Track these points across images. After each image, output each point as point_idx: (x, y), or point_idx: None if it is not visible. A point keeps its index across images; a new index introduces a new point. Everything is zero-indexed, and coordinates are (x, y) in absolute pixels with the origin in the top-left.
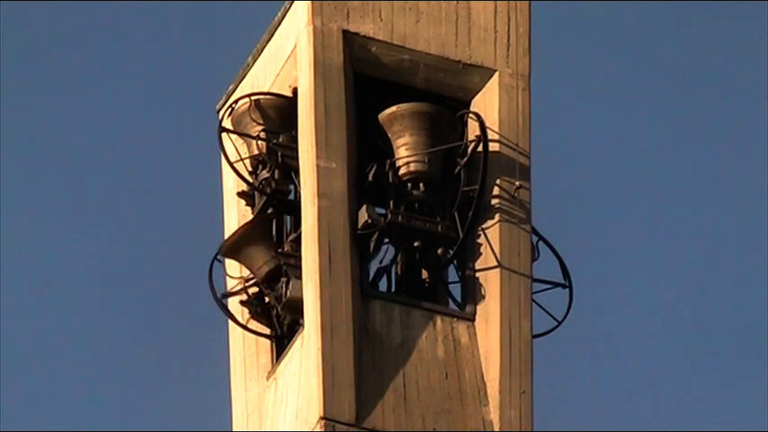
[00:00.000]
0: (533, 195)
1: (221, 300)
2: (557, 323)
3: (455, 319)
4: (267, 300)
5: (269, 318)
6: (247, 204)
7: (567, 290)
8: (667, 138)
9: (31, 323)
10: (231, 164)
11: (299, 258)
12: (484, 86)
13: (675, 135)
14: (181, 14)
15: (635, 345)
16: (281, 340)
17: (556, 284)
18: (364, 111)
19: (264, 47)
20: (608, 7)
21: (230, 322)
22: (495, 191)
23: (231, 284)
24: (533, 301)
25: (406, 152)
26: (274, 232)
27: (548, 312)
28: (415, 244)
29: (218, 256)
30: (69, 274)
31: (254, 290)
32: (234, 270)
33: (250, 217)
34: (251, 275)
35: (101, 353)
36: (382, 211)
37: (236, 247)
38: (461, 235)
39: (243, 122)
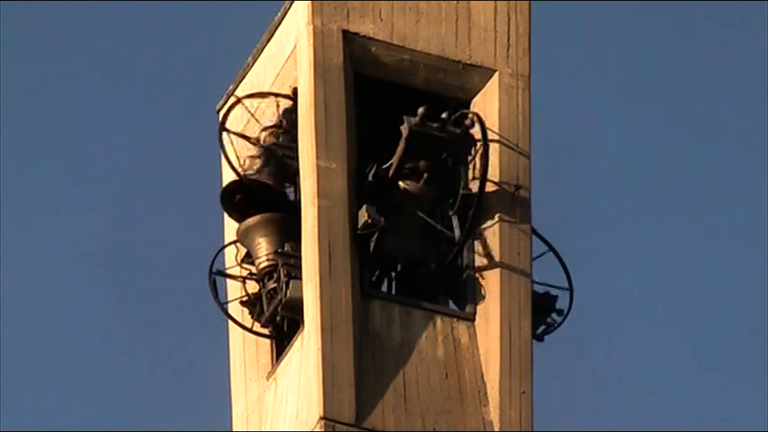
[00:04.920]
0: (533, 195)
1: (222, 304)
2: (556, 325)
3: (455, 319)
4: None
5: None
6: None
7: (568, 291)
8: (667, 137)
9: (32, 324)
10: (231, 164)
11: (299, 258)
12: (484, 86)
13: (675, 134)
14: (181, 14)
15: (634, 345)
16: (281, 340)
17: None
18: (365, 111)
19: (264, 47)
20: (608, 7)
21: (230, 322)
22: (495, 191)
23: (231, 285)
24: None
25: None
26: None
27: (553, 285)
28: (415, 244)
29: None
30: (68, 272)
31: (254, 289)
32: (233, 272)
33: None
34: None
35: (101, 353)
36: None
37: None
38: (461, 235)
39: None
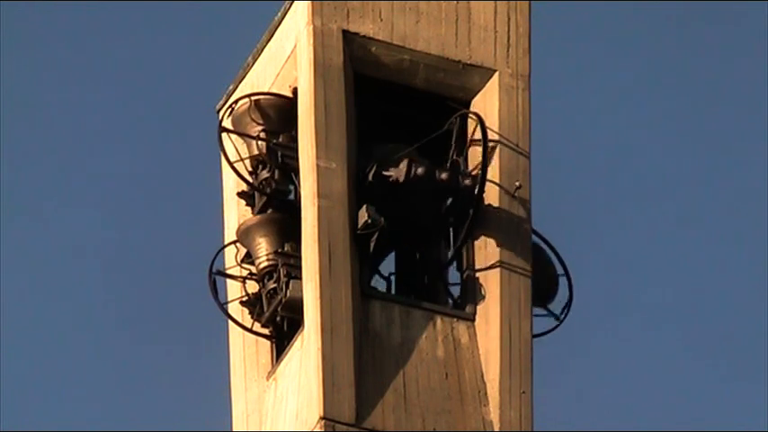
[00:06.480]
0: (533, 195)
1: (222, 304)
2: (557, 323)
3: (455, 319)
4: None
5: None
6: (247, 204)
7: (568, 290)
8: (667, 137)
9: (32, 324)
10: (231, 164)
11: (299, 258)
12: (484, 86)
13: (675, 135)
14: (181, 14)
15: (634, 345)
16: (281, 340)
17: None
18: (365, 111)
19: (264, 47)
20: (608, 7)
21: (230, 322)
22: (495, 191)
23: (231, 285)
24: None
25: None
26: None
27: (549, 310)
28: (415, 244)
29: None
30: (68, 272)
31: (254, 289)
32: (233, 271)
33: (250, 217)
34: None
35: (101, 353)
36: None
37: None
38: (461, 236)
39: (243, 122)
